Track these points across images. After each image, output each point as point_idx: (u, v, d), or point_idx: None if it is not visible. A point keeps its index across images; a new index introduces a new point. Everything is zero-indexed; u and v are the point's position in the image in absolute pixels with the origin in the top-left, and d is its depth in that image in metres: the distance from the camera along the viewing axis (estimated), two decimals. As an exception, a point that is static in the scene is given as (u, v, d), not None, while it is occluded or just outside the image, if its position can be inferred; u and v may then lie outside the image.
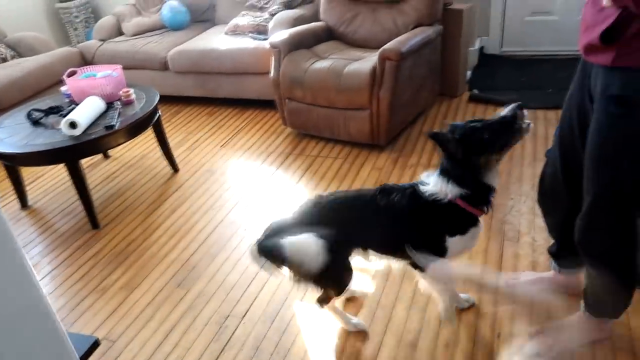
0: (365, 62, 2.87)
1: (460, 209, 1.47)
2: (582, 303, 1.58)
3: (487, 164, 1.43)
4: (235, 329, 1.84)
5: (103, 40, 4.09)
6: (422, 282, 1.69)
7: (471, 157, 1.42)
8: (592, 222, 1.38)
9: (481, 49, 4.07)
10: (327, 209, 1.59)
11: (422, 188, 1.51)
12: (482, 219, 1.55)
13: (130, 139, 2.67)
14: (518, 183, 2.48)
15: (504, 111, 1.43)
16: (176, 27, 4.16)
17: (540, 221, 1.88)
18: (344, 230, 1.57)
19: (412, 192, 1.53)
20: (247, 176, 2.87)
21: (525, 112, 1.41)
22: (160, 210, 2.64)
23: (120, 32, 4.27)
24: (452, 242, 1.53)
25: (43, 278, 2.24)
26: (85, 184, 2.50)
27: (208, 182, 2.86)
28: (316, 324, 1.82)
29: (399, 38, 2.86)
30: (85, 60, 3.99)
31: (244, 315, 1.90)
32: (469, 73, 3.69)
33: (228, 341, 1.79)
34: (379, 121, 2.84)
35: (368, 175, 2.71)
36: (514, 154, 2.73)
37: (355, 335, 1.75)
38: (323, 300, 1.72)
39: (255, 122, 3.54)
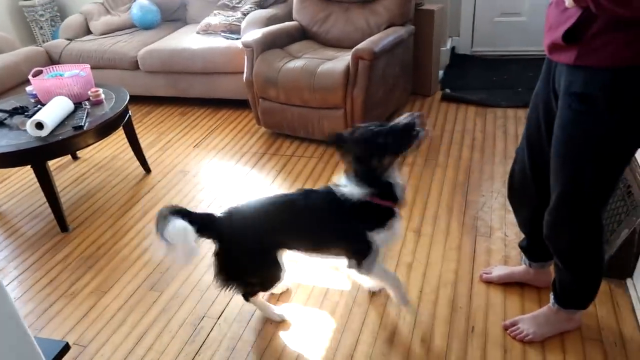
0: (339, 61, 2.88)
1: (375, 205, 1.53)
2: (551, 295, 1.62)
3: (384, 165, 1.50)
4: (211, 330, 1.82)
5: (70, 39, 3.99)
6: (366, 281, 1.73)
7: (369, 159, 1.49)
8: (559, 217, 1.42)
9: (452, 49, 4.13)
10: (259, 211, 1.66)
11: (337, 190, 1.56)
12: (399, 210, 1.61)
13: (100, 140, 2.61)
14: (490, 180, 2.53)
15: (402, 118, 1.51)
16: (146, 27, 4.09)
17: (511, 217, 1.92)
18: (271, 232, 1.65)
19: (329, 195, 1.58)
20: (221, 176, 2.84)
21: (422, 120, 1.51)
22: (132, 212, 2.59)
23: (88, 31, 4.17)
24: (375, 236, 1.58)
25: (10, 283, 2.16)
26: (53, 186, 2.44)
27: (181, 183, 2.82)
28: (292, 324, 1.82)
29: (371, 38, 2.88)
30: (52, 60, 3.88)
31: (220, 316, 1.88)
32: (441, 73, 3.75)
33: (203, 342, 1.77)
34: (353, 120, 2.85)
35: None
36: (486, 152, 2.79)
37: (331, 333, 1.75)
38: (249, 294, 1.78)
39: (228, 122, 3.51)
